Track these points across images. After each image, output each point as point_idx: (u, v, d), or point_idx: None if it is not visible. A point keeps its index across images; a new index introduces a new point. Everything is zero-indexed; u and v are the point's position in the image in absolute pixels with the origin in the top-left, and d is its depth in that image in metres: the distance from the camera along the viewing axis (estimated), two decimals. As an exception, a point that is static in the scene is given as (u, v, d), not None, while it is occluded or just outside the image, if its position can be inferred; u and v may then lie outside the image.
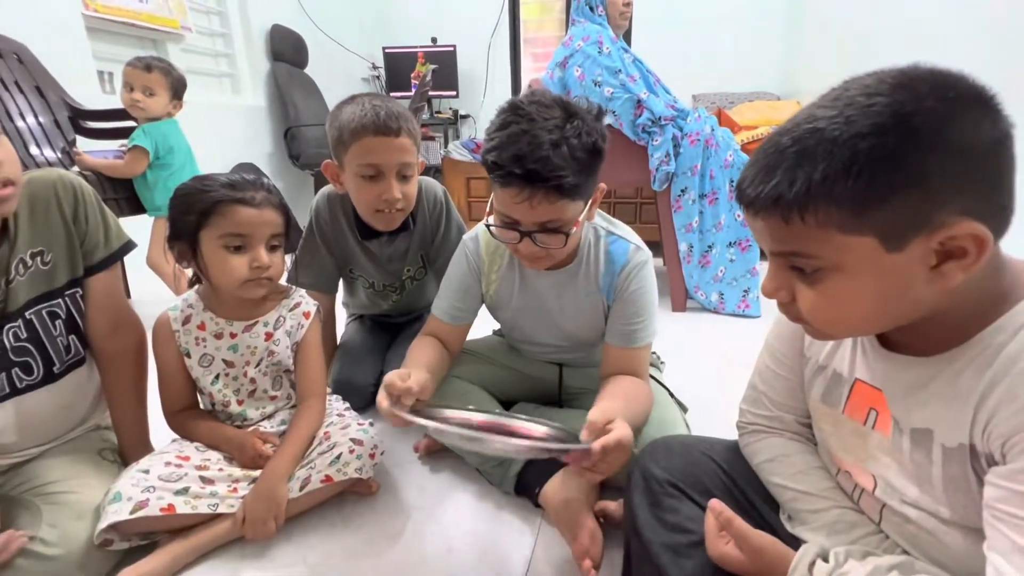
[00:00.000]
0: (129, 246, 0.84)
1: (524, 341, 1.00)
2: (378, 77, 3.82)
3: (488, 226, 0.78)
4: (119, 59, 1.72)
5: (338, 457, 0.84)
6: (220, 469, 0.82)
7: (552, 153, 0.67)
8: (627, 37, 2.57)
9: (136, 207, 1.67)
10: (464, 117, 3.81)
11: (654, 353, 1.05)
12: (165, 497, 0.74)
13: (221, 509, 0.78)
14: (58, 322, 0.76)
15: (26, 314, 0.73)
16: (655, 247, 0.94)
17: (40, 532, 0.67)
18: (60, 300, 0.76)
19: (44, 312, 0.75)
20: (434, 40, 3.69)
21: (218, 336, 0.87)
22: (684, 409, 0.94)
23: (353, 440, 0.86)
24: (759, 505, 0.60)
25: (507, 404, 0.99)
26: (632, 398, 0.79)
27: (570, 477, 0.80)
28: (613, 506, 0.78)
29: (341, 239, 1.09)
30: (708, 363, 1.40)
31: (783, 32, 3.26)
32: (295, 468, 0.83)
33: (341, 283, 1.20)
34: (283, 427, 0.90)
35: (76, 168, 1.55)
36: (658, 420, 0.83)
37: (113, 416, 0.87)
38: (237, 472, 0.82)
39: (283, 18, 2.99)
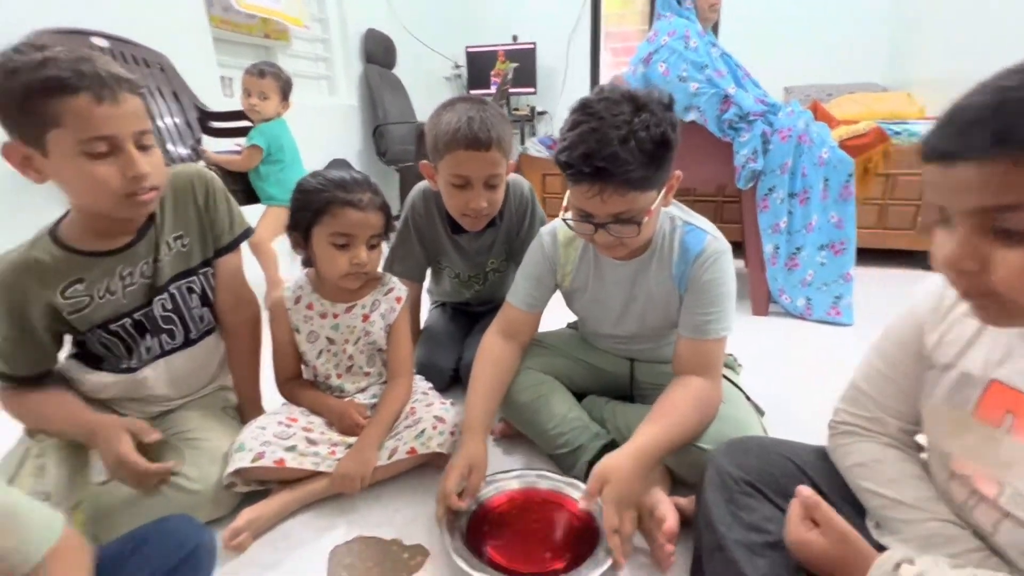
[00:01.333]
0: (249, 232, 0.96)
1: (595, 333, 1.02)
2: (460, 76, 3.95)
3: (565, 220, 0.81)
4: (239, 66, 1.94)
5: (422, 432, 0.91)
6: (322, 433, 0.92)
7: (620, 149, 0.68)
8: (715, 28, 2.46)
9: (250, 197, 1.87)
10: (541, 113, 3.83)
11: (731, 355, 1.03)
12: (278, 452, 0.84)
13: (322, 468, 0.88)
14: (194, 296, 0.90)
15: (170, 288, 0.86)
16: (736, 248, 0.92)
17: (184, 469, 0.80)
18: (195, 277, 0.89)
19: (183, 287, 0.88)
20: (515, 38, 3.75)
21: (323, 316, 0.97)
22: (760, 412, 0.92)
23: (436, 417, 0.93)
24: (844, 510, 0.58)
25: (579, 395, 1.01)
26: (679, 416, 0.78)
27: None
28: (684, 502, 0.79)
29: (433, 233, 1.16)
30: (789, 369, 1.34)
31: (890, 16, 2.96)
32: (385, 438, 0.92)
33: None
34: (374, 400, 0.99)
35: (202, 163, 1.76)
36: (732, 419, 0.82)
37: (234, 379, 1.00)
38: (336, 437, 0.92)
39: (376, 22, 3.17)
